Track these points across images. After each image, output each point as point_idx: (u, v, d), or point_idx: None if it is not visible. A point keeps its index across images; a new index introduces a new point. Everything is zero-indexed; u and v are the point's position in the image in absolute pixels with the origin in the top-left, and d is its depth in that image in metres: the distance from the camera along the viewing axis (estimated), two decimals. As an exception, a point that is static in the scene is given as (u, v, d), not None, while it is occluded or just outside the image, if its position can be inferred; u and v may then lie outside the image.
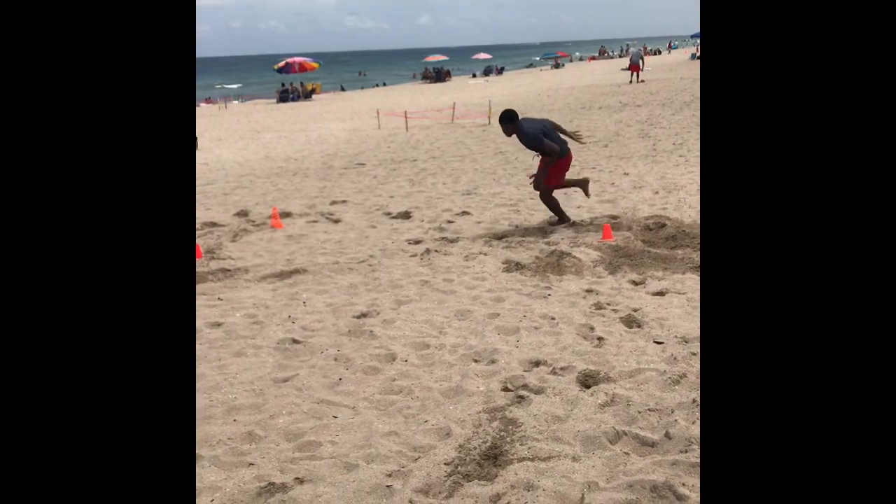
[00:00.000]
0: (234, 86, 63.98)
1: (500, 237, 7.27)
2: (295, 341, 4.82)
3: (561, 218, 7.56)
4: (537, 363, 4.28)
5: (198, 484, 3.23)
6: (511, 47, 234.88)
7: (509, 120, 7.28)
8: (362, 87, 52.31)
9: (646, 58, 44.22)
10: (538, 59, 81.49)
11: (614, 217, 7.67)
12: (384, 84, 54.80)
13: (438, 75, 51.28)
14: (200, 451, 3.49)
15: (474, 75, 56.12)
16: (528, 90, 32.43)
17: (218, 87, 60.98)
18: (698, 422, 3.43)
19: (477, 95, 30.91)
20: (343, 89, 48.31)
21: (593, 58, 77.29)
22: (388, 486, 3.11)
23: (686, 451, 3.20)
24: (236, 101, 41.34)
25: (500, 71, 58.73)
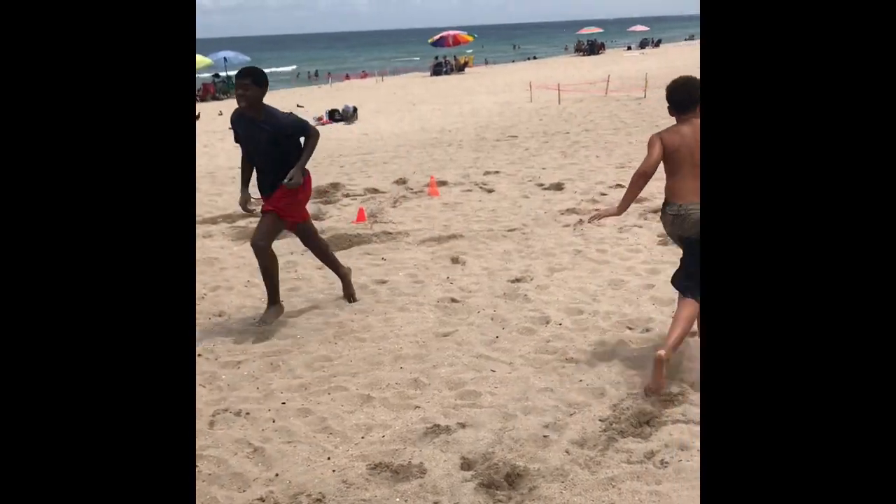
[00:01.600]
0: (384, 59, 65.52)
1: (655, 210, 7.20)
2: (454, 300, 5.09)
3: None
4: (694, 333, 4.29)
5: (369, 420, 3.56)
6: (670, 19, 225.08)
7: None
8: (514, 61, 52.16)
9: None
10: (699, 31, 77.72)
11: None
12: (534, 57, 54.36)
13: (592, 48, 50.22)
14: (371, 392, 3.82)
15: (629, 48, 54.50)
16: (686, 63, 31.15)
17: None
18: None
19: (632, 68, 30.09)
20: (486, 62, 48.22)
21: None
22: (545, 437, 3.29)
23: None
24: (393, 76, 42.52)
25: (657, 44, 56.65)
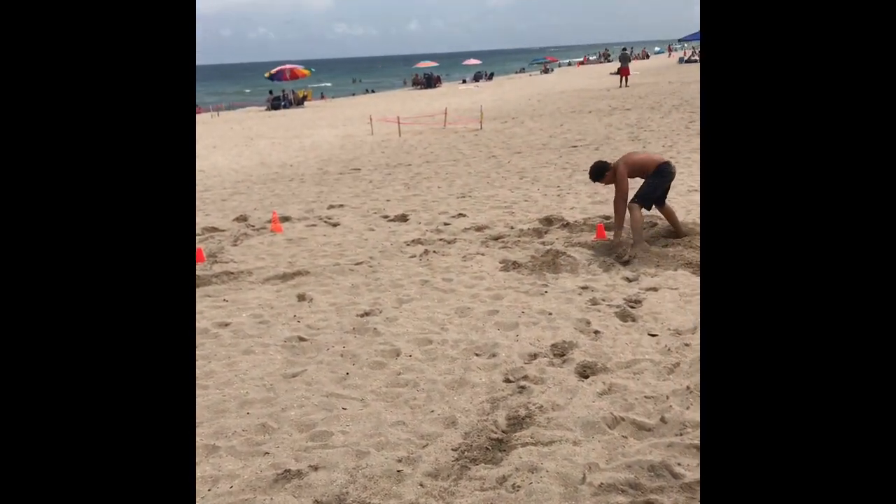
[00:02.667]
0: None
1: (496, 238, 7.45)
2: (301, 339, 4.98)
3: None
4: (536, 356, 4.45)
5: (215, 472, 3.39)
6: (500, 52, 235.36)
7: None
8: (353, 94, 52.44)
9: (633, 62, 44.56)
10: (528, 64, 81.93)
11: (607, 217, 7.86)
12: (373, 91, 54.94)
13: (429, 81, 51.51)
14: (217, 441, 3.64)
15: (464, 81, 56.39)
16: (518, 95, 32.66)
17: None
18: (692, 407, 3.61)
19: (468, 101, 31.12)
20: (323, 97, 48.00)
21: (581, 63, 77.76)
22: (398, 471, 3.27)
23: (681, 434, 3.38)
24: (229, 111, 41.41)
25: (490, 76, 59.03)
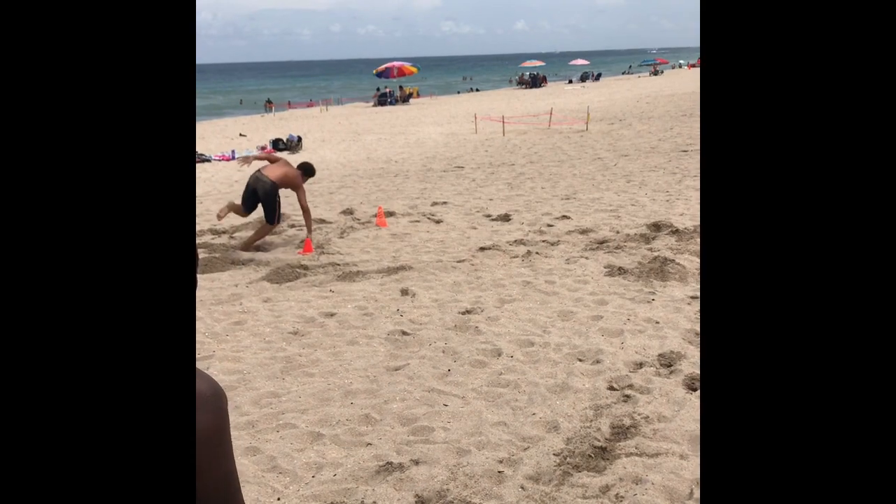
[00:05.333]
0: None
1: (601, 242, 7.32)
2: (404, 333, 5.04)
3: None
4: (642, 364, 4.34)
5: (320, 459, 3.47)
6: (609, 53, 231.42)
7: None
8: (458, 92, 52.72)
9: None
10: (636, 65, 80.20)
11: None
12: (477, 89, 55.02)
13: (534, 81, 51.21)
14: (322, 429, 3.73)
15: (571, 81, 55.76)
16: (625, 97, 32.02)
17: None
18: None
19: (573, 101, 30.76)
20: (418, 95, 47.78)
21: (693, 65, 75.42)
22: (499, 472, 3.26)
23: (797, 457, 3.22)
24: (337, 106, 42.44)
25: (598, 77, 58.12)
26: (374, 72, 41.24)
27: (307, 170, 7.87)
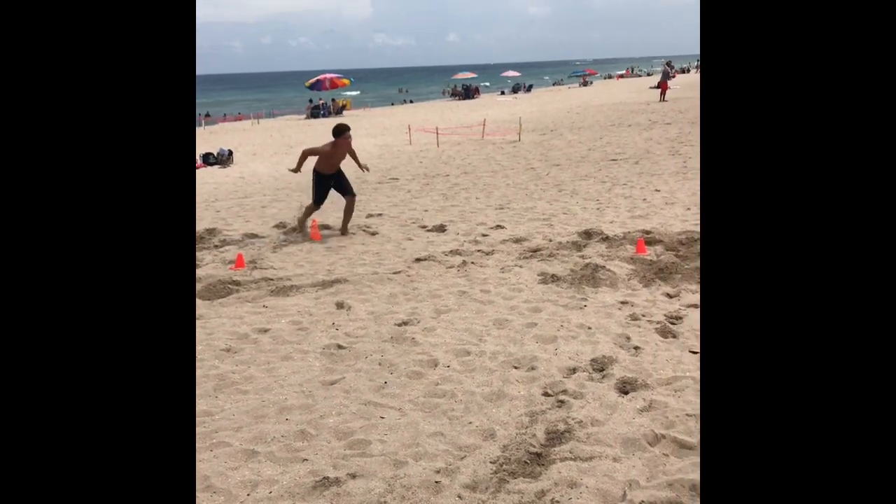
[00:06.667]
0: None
1: (534, 250, 7.42)
2: (340, 347, 5.00)
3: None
4: (575, 370, 4.41)
5: (255, 477, 3.42)
6: (539, 65, 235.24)
7: None
8: (392, 104, 52.73)
9: (674, 76, 44.18)
10: (566, 76, 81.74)
11: (647, 232, 7.79)
12: (411, 101, 55.14)
13: (467, 92, 51.64)
14: (256, 447, 3.67)
15: (503, 92, 56.43)
16: (557, 107, 32.60)
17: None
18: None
19: (506, 112, 31.13)
20: (351, 107, 47.31)
21: (621, 76, 77.33)
22: (436, 482, 3.26)
23: (724, 454, 3.31)
24: (269, 119, 41.91)
25: (529, 88, 59.01)
26: (307, 84, 40.88)
27: (335, 132, 9.26)
